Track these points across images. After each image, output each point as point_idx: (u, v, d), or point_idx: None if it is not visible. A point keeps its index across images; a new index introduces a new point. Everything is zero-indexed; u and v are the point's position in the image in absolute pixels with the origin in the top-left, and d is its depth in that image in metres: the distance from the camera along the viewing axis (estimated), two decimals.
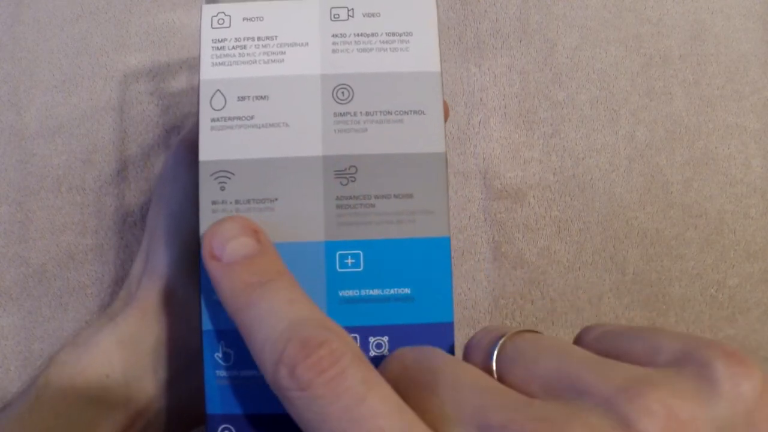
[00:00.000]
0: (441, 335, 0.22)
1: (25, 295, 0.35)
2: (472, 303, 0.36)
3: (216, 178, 0.22)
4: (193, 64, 0.38)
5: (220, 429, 0.21)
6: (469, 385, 0.17)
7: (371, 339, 0.22)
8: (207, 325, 0.22)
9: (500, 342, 0.18)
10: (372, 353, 0.22)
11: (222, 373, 0.22)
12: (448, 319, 0.22)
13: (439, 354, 0.19)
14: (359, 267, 0.22)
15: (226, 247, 0.20)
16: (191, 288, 0.25)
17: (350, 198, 0.22)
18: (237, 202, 0.22)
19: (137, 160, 0.37)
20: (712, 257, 0.37)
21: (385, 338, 0.22)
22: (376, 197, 0.22)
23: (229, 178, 0.22)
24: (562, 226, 0.37)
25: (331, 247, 0.22)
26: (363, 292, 0.22)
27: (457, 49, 0.38)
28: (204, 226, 0.22)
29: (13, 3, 0.38)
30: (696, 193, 0.38)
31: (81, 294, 0.35)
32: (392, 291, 0.22)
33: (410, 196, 0.22)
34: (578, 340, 0.19)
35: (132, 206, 0.36)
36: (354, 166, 0.22)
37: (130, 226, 0.36)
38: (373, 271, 0.22)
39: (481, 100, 0.38)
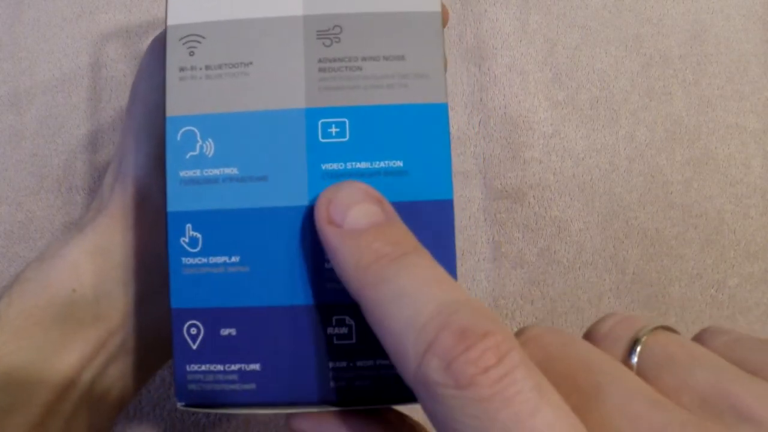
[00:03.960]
0: (440, 214, 0.19)
1: None
2: None
3: (185, 43, 0.20)
4: None
5: (186, 326, 0.19)
6: (638, 395, 0.15)
7: None
8: (172, 206, 0.19)
9: (643, 338, 0.16)
10: None
11: (189, 260, 0.19)
12: (447, 196, 0.19)
13: (587, 345, 0.16)
14: (345, 137, 0.19)
15: (348, 213, 0.17)
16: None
17: (334, 60, 0.20)
18: (207, 67, 0.20)
19: None
20: (712, 257, 0.37)
21: None
22: (364, 59, 0.20)
23: (200, 42, 0.20)
24: (562, 226, 0.37)
25: (312, 114, 0.19)
26: (349, 165, 0.19)
27: (457, 49, 0.38)
28: (170, 97, 0.19)
29: (13, 3, 0.38)
30: (696, 193, 0.38)
31: None
32: (382, 164, 0.19)
33: (402, 57, 0.20)
34: (703, 343, 0.18)
35: None
36: (338, 26, 0.20)
37: None
38: (361, 141, 0.19)
39: (481, 100, 0.38)
